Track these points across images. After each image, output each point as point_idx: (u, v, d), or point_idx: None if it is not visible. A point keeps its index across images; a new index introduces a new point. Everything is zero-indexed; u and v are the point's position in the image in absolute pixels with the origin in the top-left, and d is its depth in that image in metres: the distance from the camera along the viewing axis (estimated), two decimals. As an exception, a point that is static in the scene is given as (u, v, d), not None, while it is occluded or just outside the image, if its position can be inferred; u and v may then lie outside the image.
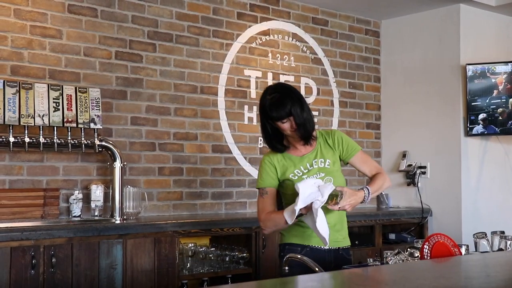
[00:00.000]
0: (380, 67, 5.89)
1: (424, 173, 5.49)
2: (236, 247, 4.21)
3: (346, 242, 3.05)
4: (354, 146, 3.02)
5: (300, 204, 2.66)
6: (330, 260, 2.92)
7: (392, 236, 5.32)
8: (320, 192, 2.69)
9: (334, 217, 2.94)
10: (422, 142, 5.53)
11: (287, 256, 2.28)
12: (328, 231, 2.70)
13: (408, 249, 2.73)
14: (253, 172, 4.95)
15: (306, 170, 2.93)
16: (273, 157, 2.95)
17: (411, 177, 5.52)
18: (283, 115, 2.80)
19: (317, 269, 2.17)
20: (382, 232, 5.14)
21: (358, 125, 5.71)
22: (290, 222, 2.74)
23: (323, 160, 2.95)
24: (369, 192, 2.91)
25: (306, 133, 2.89)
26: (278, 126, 2.85)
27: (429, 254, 2.57)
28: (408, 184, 5.56)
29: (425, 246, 2.59)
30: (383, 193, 5.70)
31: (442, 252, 2.55)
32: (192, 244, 4.12)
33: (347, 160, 3.02)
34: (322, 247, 2.88)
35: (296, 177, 2.91)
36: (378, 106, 5.87)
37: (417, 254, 2.69)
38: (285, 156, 2.95)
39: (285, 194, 2.97)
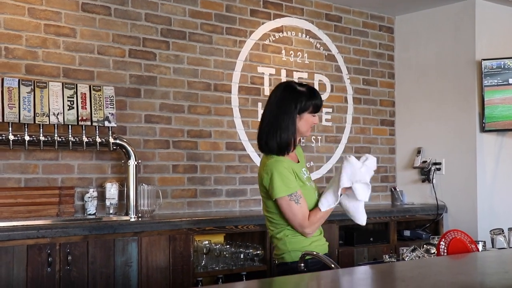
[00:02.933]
0: (394, 63, 5.86)
1: (439, 169, 5.47)
2: (250, 244, 4.21)
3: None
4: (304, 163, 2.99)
5: (345, 181, 2.66)
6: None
7: (407, 233, 5.30)
8: (363, 171, 2.71)
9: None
10: (437, 138, 5.50)
11: (303, 253, 2.27)
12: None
13: (424, 246, 2.72)
14: (267, 169, 4.93)
15: (305, 176, 2.85)
16: (286, 164, 2.75)
17: (425, 173, 5.50)
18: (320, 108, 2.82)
19: (333, 265, 2.16)
20: (397, 229, 5.12)
21: (372, 122, 5.69)
22: (334, 204, 2.72)
23: (305, 169, 2.89)
24: None
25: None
26: (307, 120, 2.76)
27: (445, 251, 2.55)
28: (423, 181, 5.53)
29: (441, 242, 2.58)
30: (398, 189, 5.69)
31: (459, 248, 2.53)
32: (207, 242, 4.13)
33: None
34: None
35: (308, 185, 2.84)
36: (392, 103, 5.85)
37: (433, 250, 2.68)
38: (290, 162, 2.80)
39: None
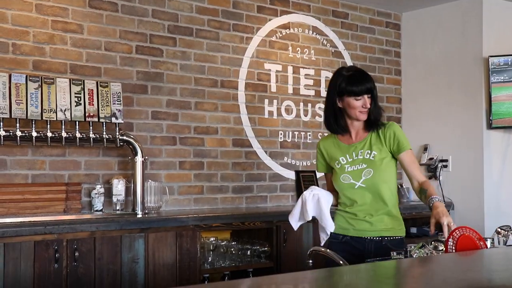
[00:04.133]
0: (401, 60, 5.84)
1: (445, 166, 5.44)
2: (257, 241, 4.22)
3: (391, 232, 2.96)
4: (404, 144, 2.94)
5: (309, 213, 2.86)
6: (370, 250, 2.88)
7: (413, 230, 5.26)
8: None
9: (376, 206, 2.93)
10: (444, 135, 5.48)
11: (311, 249, 2.26)
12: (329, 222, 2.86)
13: (433, 243, 2.69)
14: (274, 166, 4.95)
15: (351, 159, 2.94)
16: (323, 144, 3.05)
17: (432, 170, 5.48)
18: (364, 90, 2.85)
19: (341, 262, 2.14)
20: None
21: (378, 119, 5.65)
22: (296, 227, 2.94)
23: (369, 152, 2.92)
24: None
25: (375, 118, 2.92)
26: (348, 104, 2.88)
27: (454, 248, 2.53)
28: (430, 178, 5.48)
29: (450, 239, 2.55)
30: (404, 186, 5.66)
31: (467, 245, 2.51)
32: (213, 238, 4.13)
33: (395, 155, 2.95)
34: (364, 237, 2.91)
35: (339, 166, 2.94)
36: (399, 99, 5.83)
37: (441, 247, 2.65)
38: (335, 143, 2.99)
39: (335, 181, 3.01)
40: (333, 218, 2.93)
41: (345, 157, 2.95)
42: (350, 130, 2.97)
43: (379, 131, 2.95)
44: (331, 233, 2.92)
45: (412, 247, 2.73)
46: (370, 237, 2.91)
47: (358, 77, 2.89)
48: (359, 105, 2.86)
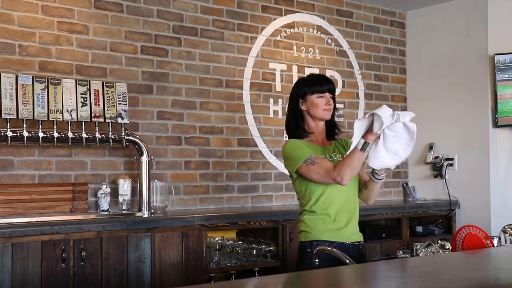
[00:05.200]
0: (406, 59, 5.84)
1: (451, 165, 5.44)
2: (263, 240, 4.21)
3: (361, 237, 3.04)
4: None
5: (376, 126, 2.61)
6: (355, 255, 2.90)
7: (419, 228, 5.27)
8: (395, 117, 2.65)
9: (353, 210, 2.97)
10: (449, 134, 5.47)
11: (318, 248, 2.27)
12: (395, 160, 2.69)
13: (439, 241, 2.70)
14: (279, 165, 4.95)
15: (331, 159, 2.94)
16: (292, 141, 2.96)
17: (438, 169, 5.48)
18: (326, 88, 2.93)
19: (348, 261, 2.15)
20: (409, 225, 5.10)
21: (384, 118, 5.65)
22: (356, 146, 2.69)
23: (341, 155, 2.98)
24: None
25: (333, 121, 3.00)
26: (312, 103, 2.91)
27: (460, 246, 2.54)
28: (435, 176, 5.51)
29: (456, 238, 2.56)
30: (410, 185, 5.67)
31: (474, 244, 2.52)
32: (219, 238, 4.13)
33: None
34: (347, 242, 2.90)
35: None
36: (404, 98, 5.83)
37: (448, 246, 2.66)
38: (307, 144, 2.95)
39: (309, 184, 2.93)
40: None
41: (323, 156, 2.93)
42: (315, 133, 2.98)
43: (340, 142, 3.05)
44: (317, 241, 2.84)
45: (418, 246, 2.75)
46: (352, 243, 2.94)
47: (320, 78, 3.01)
48: (322, 103, 2.92)
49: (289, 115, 3.03)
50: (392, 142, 2.68)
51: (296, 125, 2.97)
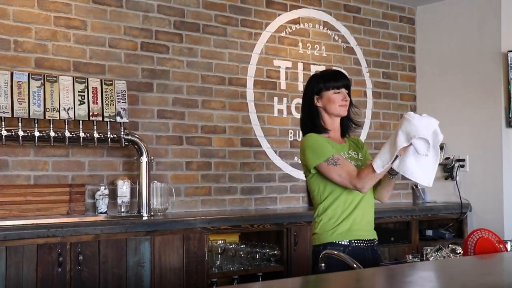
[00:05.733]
0: (416, 56, 5.83)
1: (462, 166, 5.43)
2: (266, 244, 4.20)
3: (375, 235, 3.06)
4: (368, 155, 3.10)
5: (402, 140, 2.54)
6: (369, 257, 2.91)
7: (429, 232, 5.26)
8: (424, 125, 2.58)
9: (370, 207, 2.99)
10: (461, 134, 5.45)
11: (324, 252, 2.25)
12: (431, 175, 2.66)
13: (450, 245, 2.69)
14: (284, 166, 4.95)
15: (348, 156, 2.97)
16: (314, 136, 2.94)
17: (449, 170, 5.46)
18: (342, 84, 2.95)
19: (355, 265, 2.14)
20: (419, 228, 5.09)
21: (392, 117, 5.66)
22: (389, 164, 2.65)
23: (356, 153, 3.02)
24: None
25: (349, 116, 3.03)
26: (329, 99, 2.94)
27: (472, 251, 2.53)
28: (446, 178, 5.49)
29: (468, 242, 2.55)
30: (419, 187, 5.65)
31: (486, 248, 2.51)
32: (222, 241, 4.12)
33: None
34: (362, 240, 2.91)
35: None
36: (413, 97, 5.82)
37: (459, 250, 2.66)
38: (327, 140, 2.96)
39: (328, 183, 2.92)
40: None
41: (343, 152, 2.96)
42: (332, 130, 3.01)
43: (352, 141, 3.08)
44: (330, 244, 2.85)
45: (428, 250, 2.74)
46: (366, 245, 2.97)
47: (336, 73, 3.04)
48: (339, 99, 2.95)
49: (305, 112, 3.04)
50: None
51: (313, 122, 2.98)
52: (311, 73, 5.08)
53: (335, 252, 2.29)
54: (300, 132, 4.96)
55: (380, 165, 2.65)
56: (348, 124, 3.07)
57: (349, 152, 3.00)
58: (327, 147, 2.88)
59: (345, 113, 2.98)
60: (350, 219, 2.89)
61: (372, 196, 3.01)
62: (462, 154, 5.45)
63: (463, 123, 5.45)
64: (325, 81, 2.97)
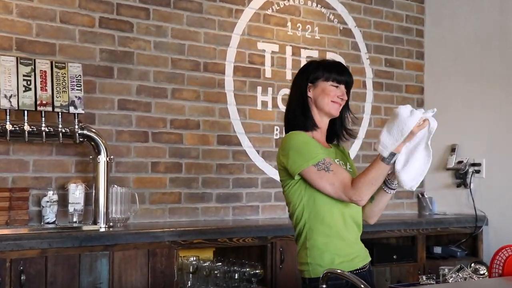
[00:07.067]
0: (424, 41, 5.88)
1: (478, 171, 5.46)
2: (247, 262, 4.20)
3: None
4: (355, 169, 3.08)
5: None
6: (372, 282, 2.91)
7: (437, 249, 5.30)
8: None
9: (359, 224, 2.98)
10: (477, 134, 5.50)
11: (325, 271, 2.22)
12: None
13: (472, 265, 2.70)
14: (267, 169, 4.97)
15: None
16: (301, 134, 2.91)
17: (461, 176, 5.50)
18: (344, 79, 2.94)
19: (362, 286, 2.11)
20: (426, 245, 5.12)
21: (396, 112, 5.66)
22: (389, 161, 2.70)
23: (343, 163, 3.00)
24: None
25: (343, 122, 3.03)
26: (323, 90, 2.92)
27: (500, 271, 2.53)
28: (458, 186, 5.52)
29: (495, 260, 2.55)
30: (426, 196, 5.66)
31: (516, 268, 2.50)
32: (194, 258, 4.11)
33: None
34: (363, 266, 2.90)
35: None
36: (421, 89, 5.86)
37: (483, 271, 2.67)
38: (309, 137, 2.94)
39: (316, 193, 2.87)
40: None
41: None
42: (318, 128, 2.99)
43: (338, 148, 3.08)
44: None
45: (446, 270, 2.74)
46: (367, 267, 2.96)
47: (341, 66, 3.02)
48: (335, 93, 2.93)
49: (294, 102, 2.99)
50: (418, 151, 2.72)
51: (303, 114, 2.94)
52: (301, 59, 5.17)
53: (338, 271, 2.26)
54: (286, 129, 5.04)
55: (386, 149, 2.71)
56: (339, 131, 3.05)
57: (335, 161, 2.95)
58: (317, 147, 2.85)
59: (336, 113, 2.95)
60: (346, 244, 2.88)
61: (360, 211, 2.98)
62: (478, 157, 5.48)
63: (480, 121, 5.48)
64: (325, 69, 2.95)
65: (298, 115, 2.95)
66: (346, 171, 2.86)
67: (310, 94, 2.95)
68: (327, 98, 2.91)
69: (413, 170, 2.69)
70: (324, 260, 2.81)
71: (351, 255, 2.86)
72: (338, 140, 3.07)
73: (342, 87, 2.94)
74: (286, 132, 2.99)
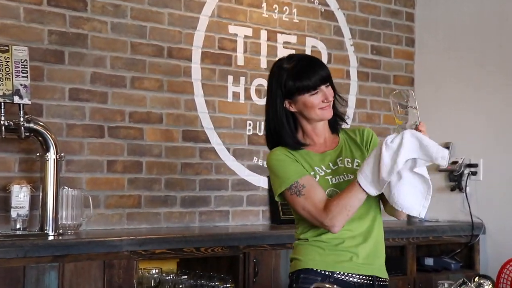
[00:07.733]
0: (415, 25, 5.95)
1: (474, 173, 5.49)
2: (216, 275, 4.24)
3: (384, 273, 3.06)
4: None
5: (402, 157, 2.60)
6: None
7: (429, 261, 5.33)
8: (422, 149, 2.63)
9: (372, 239, 2.98)
10: (473, 131, 5.53)
11: (313, 286, 2.20)
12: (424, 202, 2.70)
13: (476, 279, 2.70)
14: (239, 169, 4.99)
15: (329, 170, 2.99)
16: (287, 151, 2.99)
17: (456, 179, 5.54)
18: (318, 79, 2.91)
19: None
20: (416, 256, 5.15)
21: (383, 106, 5.72)
22: (376, 190, 2.71)
23: (349, 160, 3.02)
24: None
25: (339, 111, 3.06)
26: (305, 104, 2.94)
27: (508, 286, 2.52)
28: (452, 189, 5.57)
29: (502, 274, 2.54)
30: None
31: (526, 283, 2.50)
32: (156, 270, 4.17)
33: None
34: (352, 274, 2.90)
35: (319, 177, 2.96)
36: (411, 80, 5.91)
37: (488, 286, 2.66)
38: (302, 153, 3.00)
39: None
40: None
41: (320, 167, 2.99)
42: (313, 138, 3.05)
43: (351, 136, 3.11)
44: (305, 271, 2.90)
45: (446, 285, 2.75)
46: (360, 281, 2.97)
47: (307, 66, 2.98)
48: (318, 101, 2.95)
49: (272, 118, 3.03)
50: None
51: (284, 134, 2.98)
52: (278, 44, 5.22)
53: (327, 286, 2.24)
54: (262, 124, 5.01)
55: (370, 183, 2.72)
56: (333, 120, 3.07)
57: (337, 160, 3.00)
58: (291, 168, 2.93)
59: (330, 115, 2.99)
60: (340, 250, 2.92)
61: (378, 214, 3.00)
62: (474, 157, 5.51)
63: (476, 117, 5.52)
64: (295, 79, 2.94)
65: (277, 137, 3.01)
66: (321, 191, 2.88)
67: (293, 108, 2.98)
68: (314, 110, 2.95)
69: (408, 195, 2.70)
70: (302, 257, 2.94)
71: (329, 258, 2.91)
72: (335, 128, 3.09)
73: (322, 87, 2.95)
74: (270, 148, 3.07)
